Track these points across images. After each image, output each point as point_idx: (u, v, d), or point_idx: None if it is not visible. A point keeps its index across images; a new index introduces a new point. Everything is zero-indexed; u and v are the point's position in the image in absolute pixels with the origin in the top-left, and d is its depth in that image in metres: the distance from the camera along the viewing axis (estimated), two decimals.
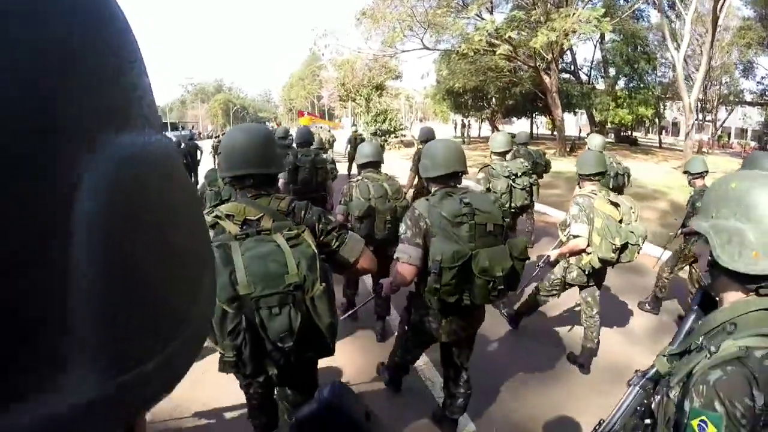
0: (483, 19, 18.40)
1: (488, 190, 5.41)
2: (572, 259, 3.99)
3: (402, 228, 2.64)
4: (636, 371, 1.60)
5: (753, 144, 39.60)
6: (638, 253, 3.71)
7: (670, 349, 1.48)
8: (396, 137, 26.60)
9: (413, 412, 3.44)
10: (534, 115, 33.16)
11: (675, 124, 46.33)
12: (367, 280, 4.94)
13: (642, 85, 26.25)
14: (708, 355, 1.22)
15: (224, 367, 1.92)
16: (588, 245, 3.71)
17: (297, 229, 1.94)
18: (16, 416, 0.21)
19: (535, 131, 35.87)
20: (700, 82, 19.57)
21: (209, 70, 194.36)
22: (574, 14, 15.69)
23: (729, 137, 42.90)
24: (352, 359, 4.13)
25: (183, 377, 0.30)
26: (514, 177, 5.60)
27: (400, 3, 18.71)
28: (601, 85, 28.67)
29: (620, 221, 3.66)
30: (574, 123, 47.77)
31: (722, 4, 17.66)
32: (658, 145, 34.25)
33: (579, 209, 3.75)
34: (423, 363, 3.85)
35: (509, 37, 16.27)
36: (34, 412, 0.21)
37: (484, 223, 2.57)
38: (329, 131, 19.42)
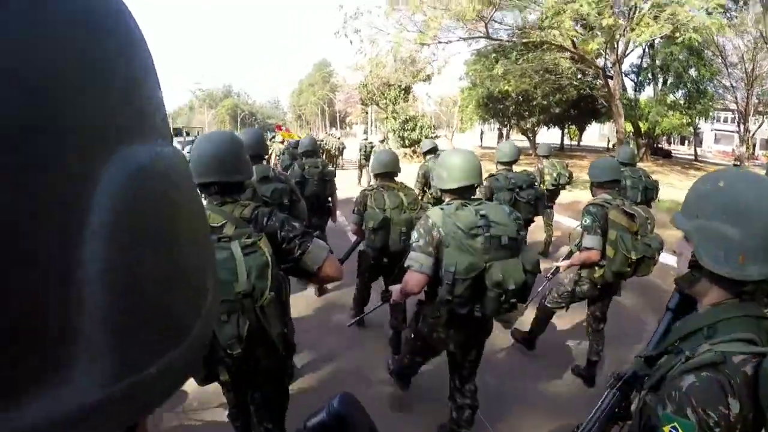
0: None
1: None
2: (584, 272, 3.64)
3: (414, 236, 2.49)
4: (612, 373, 1.55)
5: None
6: (653, 266, 3.41)
7: (646, 350, 1.42)
8: None
9: (423, 422, 3.29)
10: (567, 125, 29.13)
11: (697, 134, 43.13)
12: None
13: (699, 94, 22.26)
14: (683, 360, 1.14)
15: None
16: (601, 258, 3.40)
17: (254, 237, 1.87)
18: (26, 413, 0.21)
19: (567, 142, 31.97)
20: None
21: (218, 76, 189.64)
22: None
23: (754, 148, 39.35)
24: (362, 366, 4.02)
25: (184, 383, 0.30)
26: (518, 189, 5.15)
27: None
28: (647, 93, 24.81)
29: (636, 233, 3.31)
30: (596, 133, 44.45)
31: None
32: (693, 157, 30.72)
33: (592, 220, 3.40)
34: (434, 367, 3.35)
35: (604, 25, 11.73)
36: (41, 410, 0.21)
37: (499, 236, 2.40)
38: (339, 138, 17.80)
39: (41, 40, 0.22)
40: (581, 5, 10.84)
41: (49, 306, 0.22)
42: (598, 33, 12.25)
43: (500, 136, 27.75)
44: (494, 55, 20.84)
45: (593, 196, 3.72)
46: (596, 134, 43.58)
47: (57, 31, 0.23)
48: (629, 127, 28.92)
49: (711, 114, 23.84)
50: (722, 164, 29.44)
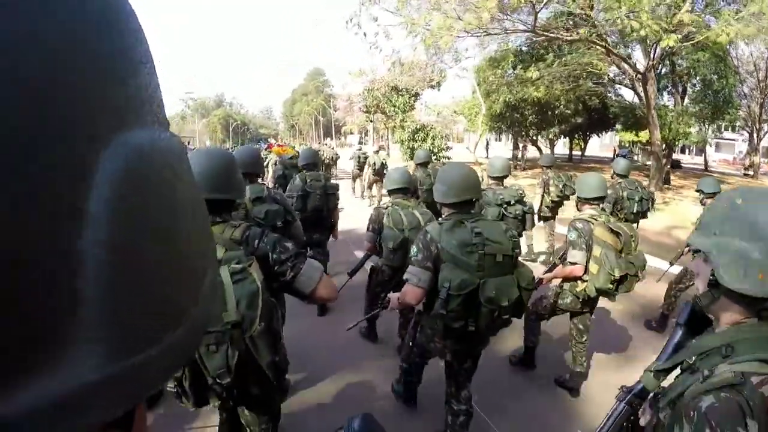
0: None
1: None
2: (566, 285, 3.61)
3: (413, 250, 2.54)
4: (622, 387, 1.52)
5: None
6: (636, 282, 3.37)
7: (656, 364, 1.39)
8: (438, 159, 19.85)
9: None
10: (578, 136, 26.99)
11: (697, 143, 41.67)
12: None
13: (725, 103, 20.21)
14: (701, 379, 1.12)
15: (169, 395, 1.90)
16: (585, 273, 3.39)
17: (244, 263, 1.78)
18: (25, 393, 0.21)
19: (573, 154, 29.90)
20: None
21: (211, 86, 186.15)
22: None
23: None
24: (370, 377, 3.96)
25: (181, 368, 0.30)
26: (506, 205, 5.03)
27: None
28: (665, 102, 22.72)
29: (620, 251, 3.31)
30: (598, 144, 42.60)
31: None
32: (704, 167, 28.94)
33: (578, 235, 3.40)
34: (436, 376, 3.32)
35: (686, 21, 9.32)
36: (40, 390, 0.21)
37: (494, 254, 2.42)
38: (333, 149, 17.43)
39: (37, 30, 0.22)
40: None
41: (48, 290, 0.22)
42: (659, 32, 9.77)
43: (516, 146, 25.22)
44: (512, 59, 18.67)
45: (578, 210, 3.75)
46: (597, 145, 41.73)
47: (53, 20, 0.23)
48: (646, 138, 26.85)
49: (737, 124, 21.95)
50: (734, 174, 27.93)
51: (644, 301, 5.58)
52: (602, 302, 4.85)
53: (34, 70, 0.21)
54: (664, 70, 22.10)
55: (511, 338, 4.41)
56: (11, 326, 0.20)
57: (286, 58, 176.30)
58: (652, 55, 15.05)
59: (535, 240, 7.39)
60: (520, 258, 2.66)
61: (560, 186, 6.85)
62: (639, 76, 14.67)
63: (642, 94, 15.50)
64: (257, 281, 1.76)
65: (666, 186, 16.79)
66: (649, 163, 25.62)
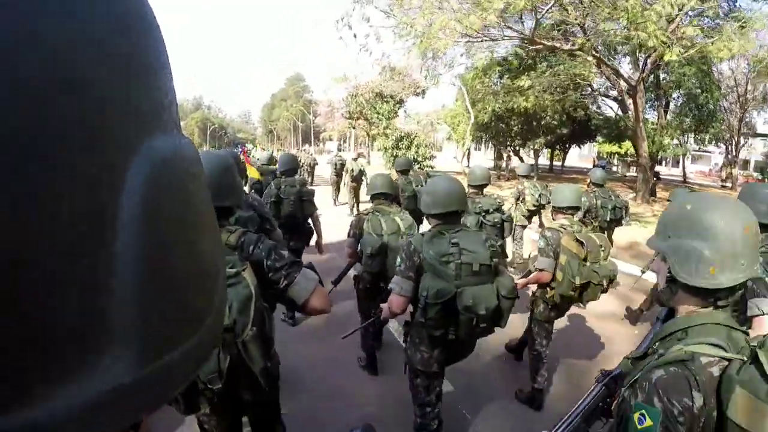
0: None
1: None
2: (538, 292, 3.73)
3: (398, 260, 2.59)
4: (601, 370, 1.61)
5: (756, 175, 35.29)
6: (602, 292, 3.45)
7: (634, 353, 1.47)
8: (421, 168, 19.14)
9: None
10: (559, 147, 26.73)
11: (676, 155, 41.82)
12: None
13: (710, 117, 20.06)
14: (657, 357, 1.22)
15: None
16: (552, 279, 3.48)
17: (239, 267, 1.74)
18: (62, 397, 0.21)
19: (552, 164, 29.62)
20: None
21: (189, 88, 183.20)
22: None
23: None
24: (368, 390, 3.91)
25: (200, 369, 0.31)
26: (484, 213, 5.04)
27: None
28: (649, 115, 22.58)
29: (584, 259, 3.34)
30: (576, 155, 42.61)
31: None
32: (683, 179, 29.06)
33: (546, 243, 3.48)
34: (456, 392, 3.65)
35: (686, 35, 9.00)
36: (76, 394, 0.21)
37: (471, 263, 2.43)
38: (311, 155, 17.42)
39: (74, 39, 0.22)
40: (663, 6, 8.18)
41: (83, 300, 0.22)
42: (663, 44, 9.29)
43: (499, 156, 24.72)
44: (498, 68, 18.25)
45: (553, 219, 3.82)
46: (576, 156, 41.78)
47: (53, 20, 0.22)
48: (624, 149, 26.79)
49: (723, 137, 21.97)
50: (712, 185, 28.15)
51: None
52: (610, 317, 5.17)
53: (35, 70, 0.21)
54: (647, 84, 21.99)
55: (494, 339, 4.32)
56: (47, 337, 0.20)
57: (286, 57, 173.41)
58: (642, 68, 14.76)
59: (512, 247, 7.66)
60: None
61: (536, 195, 7.00)
62: (628, 88, 14.34)
63: (630, 107, 15.23)
64: (250, 286, 1.74)
65: (653, 198, 16.49)
66: (628, 173, 25.50)
